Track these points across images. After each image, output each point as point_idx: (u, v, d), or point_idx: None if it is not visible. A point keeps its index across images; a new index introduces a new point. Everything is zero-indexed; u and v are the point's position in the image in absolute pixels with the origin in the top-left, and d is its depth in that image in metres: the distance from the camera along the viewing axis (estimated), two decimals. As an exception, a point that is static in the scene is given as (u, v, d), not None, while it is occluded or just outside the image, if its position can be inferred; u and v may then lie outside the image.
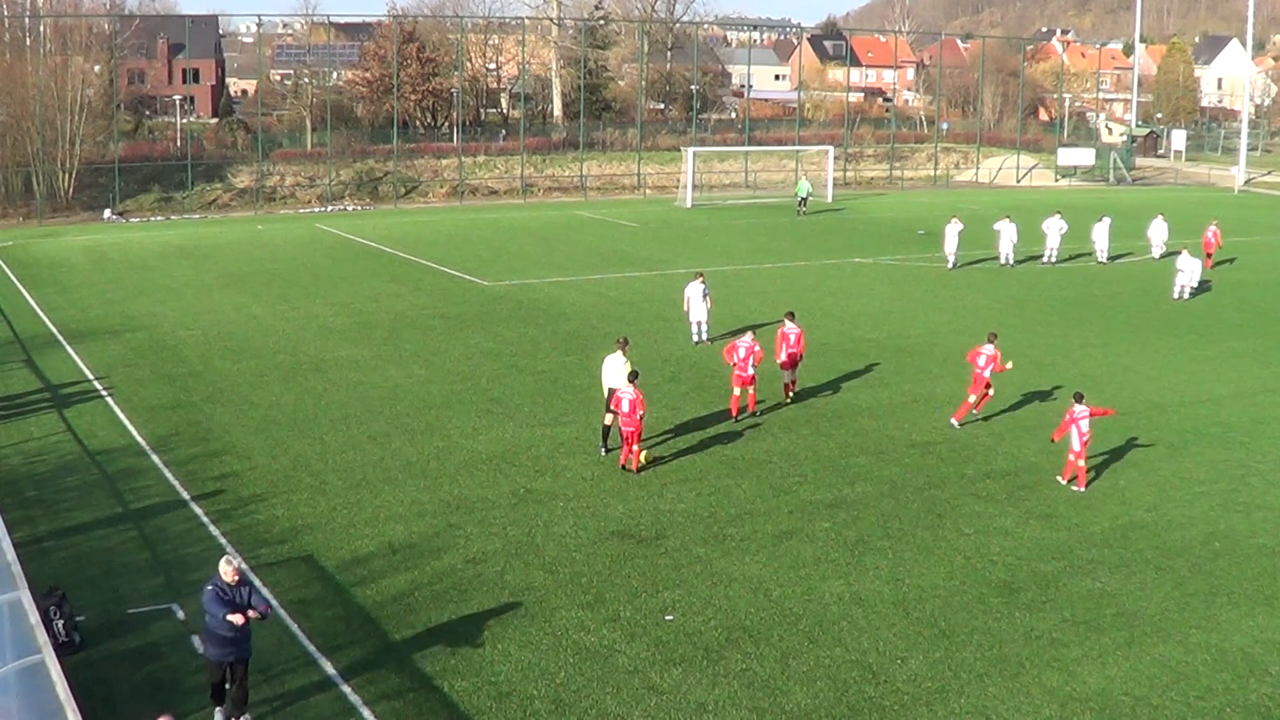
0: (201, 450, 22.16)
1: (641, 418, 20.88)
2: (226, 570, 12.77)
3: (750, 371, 23.95)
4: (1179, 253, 39.10)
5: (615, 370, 22.10)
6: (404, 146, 72.08)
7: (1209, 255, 43.54)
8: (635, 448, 21.02)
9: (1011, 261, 43.78)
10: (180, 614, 15.15)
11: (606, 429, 22.15)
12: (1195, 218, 54.54)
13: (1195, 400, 26.15)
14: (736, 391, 24.23)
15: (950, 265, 43.18)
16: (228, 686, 12.92)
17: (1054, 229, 45.01)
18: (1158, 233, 46.28)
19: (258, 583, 16.34)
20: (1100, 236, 44.99)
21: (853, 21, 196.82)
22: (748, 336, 24.40)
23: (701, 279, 30.82)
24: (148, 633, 14.97)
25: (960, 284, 40.40)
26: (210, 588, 12.73)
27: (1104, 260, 44.87)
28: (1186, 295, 37.83)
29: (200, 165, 66.76)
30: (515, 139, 75.61)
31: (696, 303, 30.46)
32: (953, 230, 43.19)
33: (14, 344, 31.31)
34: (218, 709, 13.03)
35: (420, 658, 14.49)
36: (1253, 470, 21.53)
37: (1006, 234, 43.74)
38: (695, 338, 30.76)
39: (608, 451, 21.94)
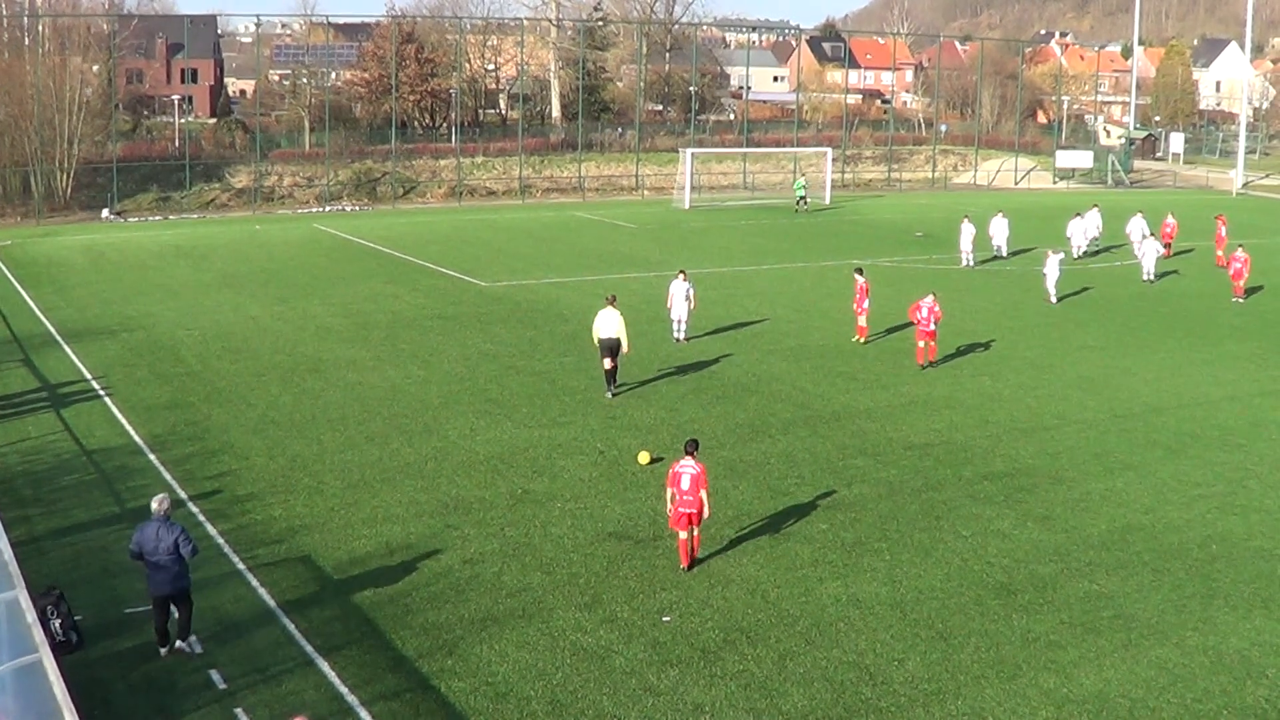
0: (199, 450, 22.16)
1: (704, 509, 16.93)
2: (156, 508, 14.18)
3: (931, 327, 27.88)
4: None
5: (607, 323, 25.35)
6: (402, 147, 72.08)
7: (1168, 245, 45.81)
8: (695, 532, 17.08)
9: (1004, 255, 45.84)
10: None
11: (607, 372, 25.34)
12: (1194, 219, 54.68)
13: (1193, 403, 26.16)
14: (921, 345, 28.06)
15: (964, 264, 44.40)
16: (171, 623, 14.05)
17: (1078, 230, 47.16)
18: (1136, 229, 47.20)
19: (254, 582, 16.42)
20: (1075, 232, 47.31)
21: (851, 23, 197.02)
22: (930, 298, 28.10)
23: (684, 276, 31.29)
24: (145, 632, 14.91)
25: (958, 285, 40.37)
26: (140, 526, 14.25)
27: (1076, 255, 46.37)
28: (1054, 299, 36.84)
29: (198, 165, 66.79)
30: (514, 139, 75.63)
31: (679, 300, 30.84)
32: (967, 230, 44.58)
33: (12, 344, 31.29)
34: (162, 649, 13.90)
35: (417, 658, 14.48)
36: (1250, 473, 21.53)
37: (1000, 230, 46.13)
38: (675, 335, 31.15)
39: (614, 395, 25.29)
